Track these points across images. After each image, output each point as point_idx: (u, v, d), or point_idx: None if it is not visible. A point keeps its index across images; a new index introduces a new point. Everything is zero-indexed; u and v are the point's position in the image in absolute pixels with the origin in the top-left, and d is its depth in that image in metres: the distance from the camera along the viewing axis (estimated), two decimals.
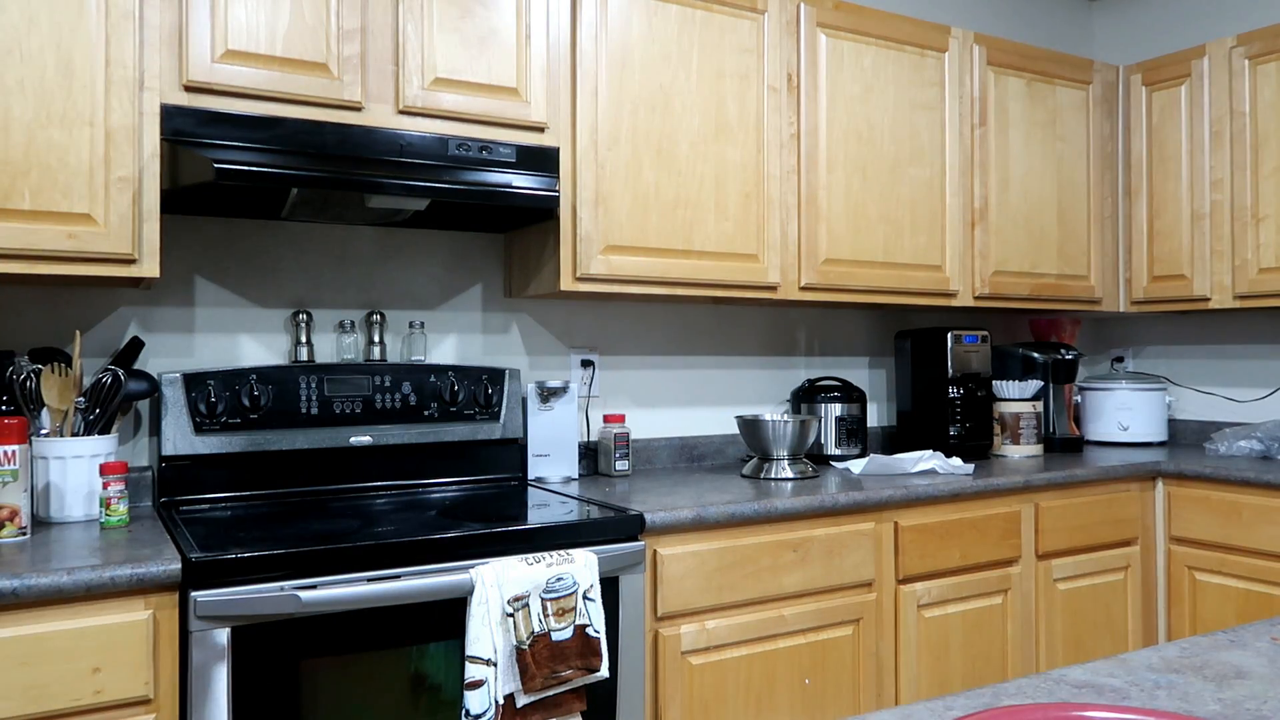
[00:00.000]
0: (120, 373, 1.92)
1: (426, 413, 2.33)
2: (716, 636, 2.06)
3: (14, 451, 1.69)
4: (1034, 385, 3.01)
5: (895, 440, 3.16)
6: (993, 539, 2.49)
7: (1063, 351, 3.17)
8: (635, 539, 1.95)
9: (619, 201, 2.31)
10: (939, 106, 2.85)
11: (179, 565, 1.54)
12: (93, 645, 1.47)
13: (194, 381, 2.10)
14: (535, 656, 1.71)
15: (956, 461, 2.65)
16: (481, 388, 2.40)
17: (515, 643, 1.70)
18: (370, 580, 1.65)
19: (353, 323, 2.36)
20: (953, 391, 2.93)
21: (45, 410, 1.88)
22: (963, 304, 2.90)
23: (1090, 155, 3.19)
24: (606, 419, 2.59)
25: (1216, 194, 2.99)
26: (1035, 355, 3.15)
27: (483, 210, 2.17)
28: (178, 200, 1.98)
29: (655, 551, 2.01)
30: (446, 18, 2.09)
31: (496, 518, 1.92)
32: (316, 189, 1.86)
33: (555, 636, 1.74)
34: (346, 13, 1.99)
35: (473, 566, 1.73)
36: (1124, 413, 3.24)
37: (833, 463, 2.82)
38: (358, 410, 2.25)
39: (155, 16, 1.82)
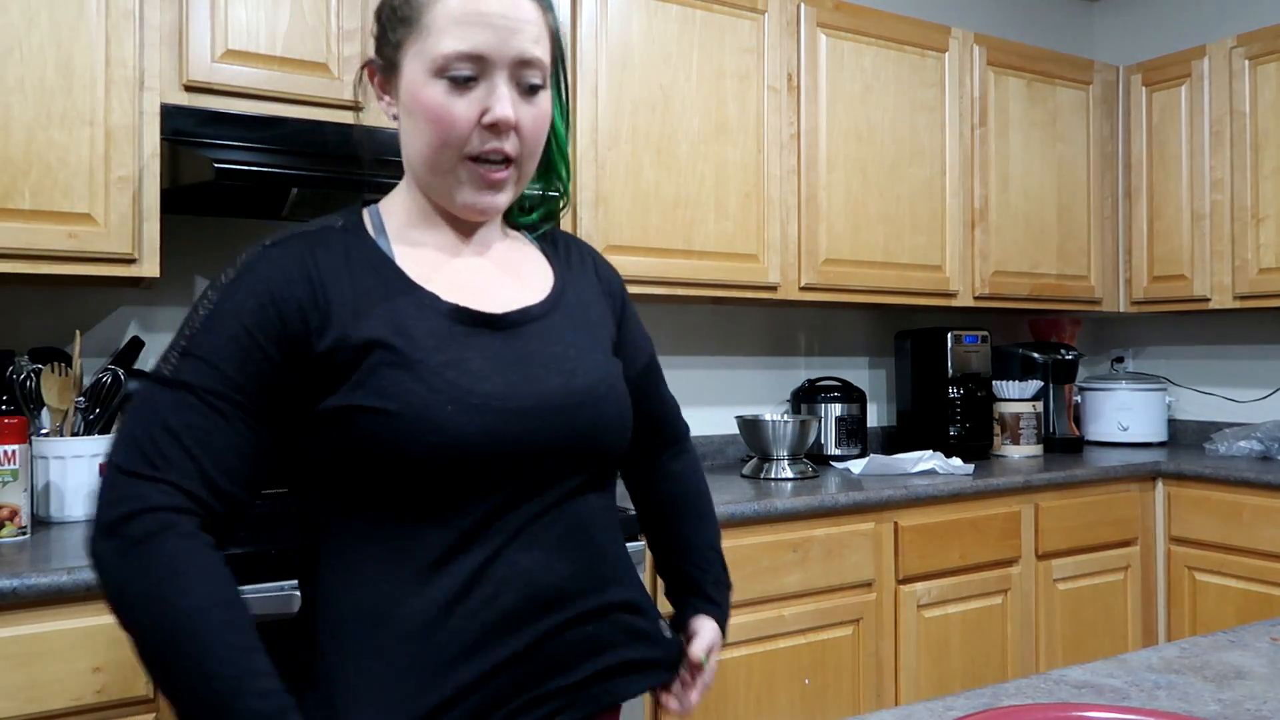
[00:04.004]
0: (120, 372, 1.92)
1: None
2: None
3: (14, 451, 1.69)
4: (1034, 385, 3.01)
5: (895, 440, 3.16)
6: (993, 539, 2.49)
7: (1063, 352, 3.17)
8: (635, 539, 1.95)
9: (619, 201, 2.31)
10: (939, 107, 2.85)
11: None
12: (93, 645, 1.47)
13: None
14: None
15: (956, 461, 2.65)
16: None
17: None
18: None
19: None
20: (953, 391, 2.93)
21: (45, 410, 1.88)
22: (963, 304, 2.90)
23: (1090, 155, 3.19)
24: None
25: (1216, 194, 2.99)
26: (1035, 355, 3.15)
27: None
28: (178, 200, 1.97)
29: None
30: None
31: None
32: (317, 189, 1.86)
33: None
34: (346, 13, 1.99)
35: None
36: (1124, 413, 3.24)
37: (833, 463, 2.82)
38: None
39: (155, 16, 1.82)
